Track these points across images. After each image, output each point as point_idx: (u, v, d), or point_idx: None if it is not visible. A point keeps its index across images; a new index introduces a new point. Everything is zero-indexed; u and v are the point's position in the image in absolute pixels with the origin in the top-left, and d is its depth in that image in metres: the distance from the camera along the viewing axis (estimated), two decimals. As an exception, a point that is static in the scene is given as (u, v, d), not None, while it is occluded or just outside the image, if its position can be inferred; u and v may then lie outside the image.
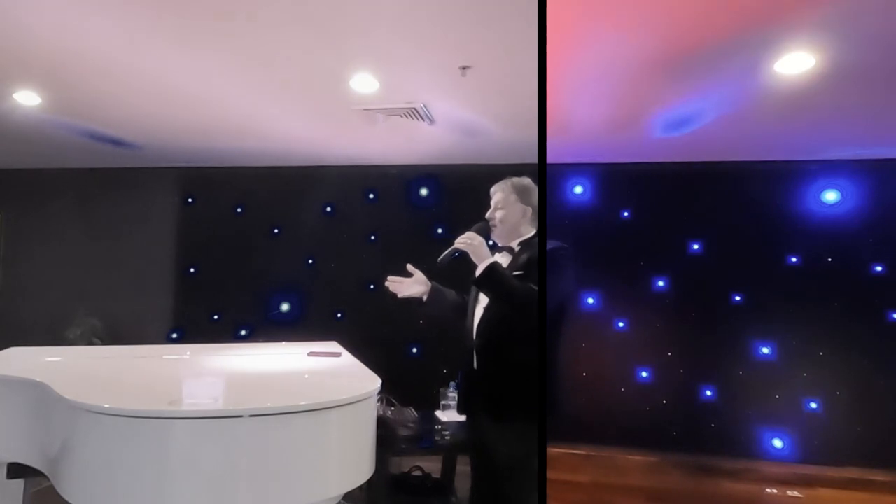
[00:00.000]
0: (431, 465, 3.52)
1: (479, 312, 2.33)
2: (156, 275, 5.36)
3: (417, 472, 3.50)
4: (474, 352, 2.31)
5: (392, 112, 3.87)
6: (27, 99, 3.81)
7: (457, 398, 3.15)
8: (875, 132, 3.74)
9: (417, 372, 4.53)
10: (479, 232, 2.30)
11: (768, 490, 3.87)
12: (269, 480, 1.57)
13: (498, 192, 2.42)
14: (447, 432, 3.23)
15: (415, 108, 3.79)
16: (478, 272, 2.20)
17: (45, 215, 5.42)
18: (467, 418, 2.45)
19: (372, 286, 5.02)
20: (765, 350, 4.22)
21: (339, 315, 5.05)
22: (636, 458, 4.12)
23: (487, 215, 2.40)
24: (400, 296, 2.47)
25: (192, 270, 5.37)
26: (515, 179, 2.42)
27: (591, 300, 4.52)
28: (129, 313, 5.18)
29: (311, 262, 5.18)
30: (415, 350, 4.94)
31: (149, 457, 1.54)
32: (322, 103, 3.83)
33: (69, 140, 4.56)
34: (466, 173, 4.89)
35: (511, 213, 2.37)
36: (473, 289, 2.39)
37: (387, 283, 2.50)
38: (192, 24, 2.86)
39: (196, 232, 5.40)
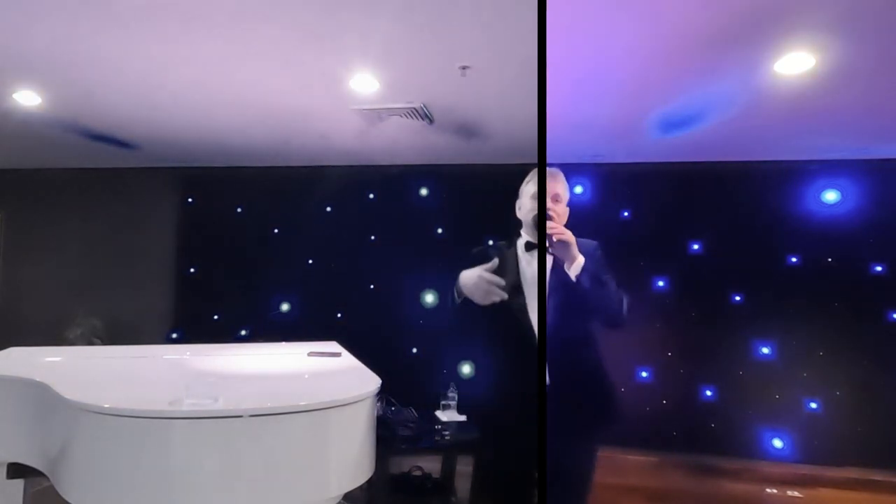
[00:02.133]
0: (431, 465, 3.53)
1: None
2: (156, 275, 5.36)
3: (417, 472, 3.50)
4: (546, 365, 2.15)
5: (392, 112, 3.87)
6: (27, 99, 3.81)
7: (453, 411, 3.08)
8: (875, 132, 3.74)
9: (417, 372, 4.54)
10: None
11: (768, 490, 3.86)
12: (269, 480, 1.57)
13: (560, 184, 2.26)
14: (447, 432, 3.23)
15: (415, 108, 3.79)
16: (577, 270, 2.09)
17: (45, 215, 5.42)
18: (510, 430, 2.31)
19: (372, 286, 5.02)
20: (765, 350, 4.22)
21: (339, 315, 5.05)
22: (636, 458, 4.12)
23: (549, 208, 2.21)
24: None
25: (192, 270, 5.37)
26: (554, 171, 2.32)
27: (591, 300, 4.51)
28: (129, 313, 5.18)
29: (311, 262, 5.18)
30: (415, 350, 4.94)
31: (149, 457, 1.54)
32: (322, 103, 3.83)
33: (69, 140, 4.56)
34: (466, 173, 4.90)
35: None
36: (529, 292, 2.25)
37: None
38: (191, 24, 2.86)
39: (196, 232, 5.40)
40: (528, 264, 2.30)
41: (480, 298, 2.15)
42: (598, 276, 2.11)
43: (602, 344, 2.19)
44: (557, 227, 2.12)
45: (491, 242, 2.42)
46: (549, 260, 2.25)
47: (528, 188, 2.34)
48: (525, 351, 2.18)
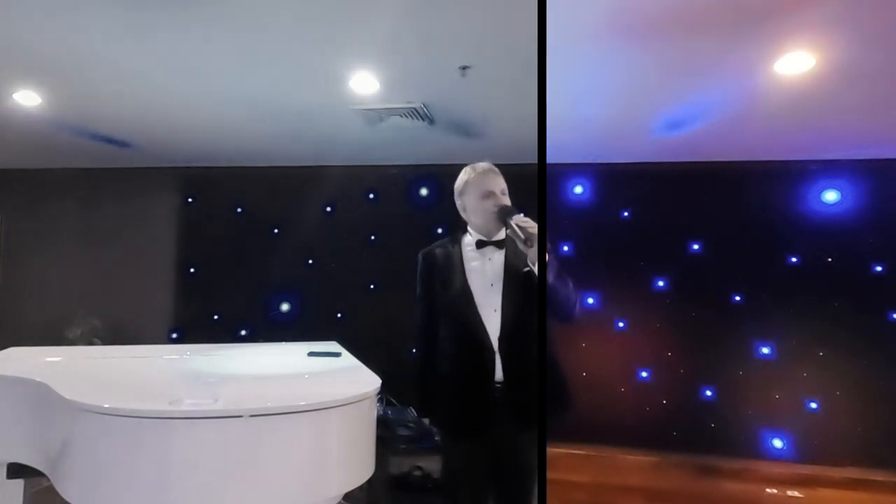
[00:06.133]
0: (431, 465, 3.53)
1: (494, 317, 2.22)
2: (156, 275, 5.36)
3: (417, 472, 3.50)
4: (497, 361, 2.19)
5: (392, 112, 3.87)
6: (27, 99, 3.81)
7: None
8: (875, 132, 3.74)
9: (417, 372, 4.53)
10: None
11: (768, 490, 3.86)
12: (268, 481, 1.57)
13: (501, 177, 2.33)
14: (447, 432, 3.22)
15: (415, 108, 3.79)
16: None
17: (45, 215, 5.42)
18: (474, 432, 2.27)
19: (372, 286, 5.02)
20: (765, 350, 4.22)
21: (339, 315, 5.05)
22: (636, 458, 4.12)
23: (503, 202, 2.27)
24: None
25: (192, 270, 5.37)
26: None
27: (591, 300, 4.52)
28: (129, 313, 5.18)
29: (311, 262, 5.18)
30: (415, 350, 4.93)
31: (149, 457, 1.53)
32: (322, 103, 3.83)
33: (69, 140, 4.56)
34: (466, 173, 4.90)
35: None
36: (483, 290, 2.25)
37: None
38: (191, 23, 2.86)
39: (196, 232, 5.40)
40: (480, 261, 2.30)
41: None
42: (560, 272, 2.11)
43: (555, 338, 2.17)
44: (529, 221, 2.10)
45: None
46: (502, 254, 2.28)
47: (471, 187, 2.35)
48: (477, 348, 2.22)
